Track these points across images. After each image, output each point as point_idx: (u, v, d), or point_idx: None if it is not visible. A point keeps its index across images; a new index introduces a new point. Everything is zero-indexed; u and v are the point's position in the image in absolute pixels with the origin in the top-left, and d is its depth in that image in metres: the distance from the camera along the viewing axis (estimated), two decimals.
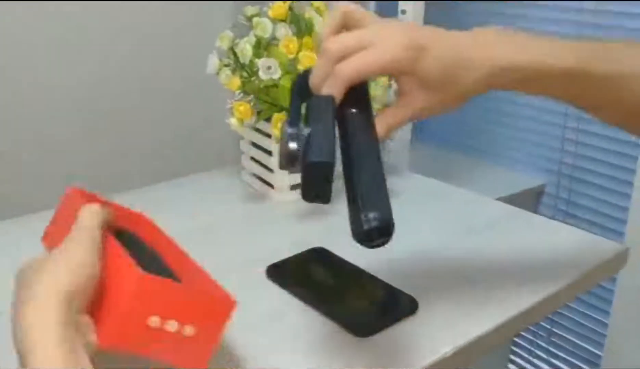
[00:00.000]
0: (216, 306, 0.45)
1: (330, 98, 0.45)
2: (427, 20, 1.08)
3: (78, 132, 1.09)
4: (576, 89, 0.51)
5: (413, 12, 1.04)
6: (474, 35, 0.49)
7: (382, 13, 1.27)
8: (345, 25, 0.49)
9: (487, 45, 0.49)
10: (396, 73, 0.48)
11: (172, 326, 0.41)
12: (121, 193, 0.91)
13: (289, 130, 0.44)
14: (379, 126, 0.47)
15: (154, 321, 0.40)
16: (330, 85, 0.46)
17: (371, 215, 0.40)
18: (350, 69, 0.45)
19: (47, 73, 1.04)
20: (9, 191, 1.01)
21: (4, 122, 1.01)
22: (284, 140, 0.44)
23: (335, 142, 0.43)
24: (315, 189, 0.42)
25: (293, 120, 0.46)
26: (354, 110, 0.47)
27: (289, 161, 0.44)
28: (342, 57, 0.46)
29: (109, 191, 0.92)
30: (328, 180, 0.42)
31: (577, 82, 0.50)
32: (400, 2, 1.05)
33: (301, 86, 0.49)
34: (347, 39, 0.47)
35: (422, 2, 1.05)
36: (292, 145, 0.43)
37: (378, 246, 0.40)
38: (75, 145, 1.09)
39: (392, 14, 1.07)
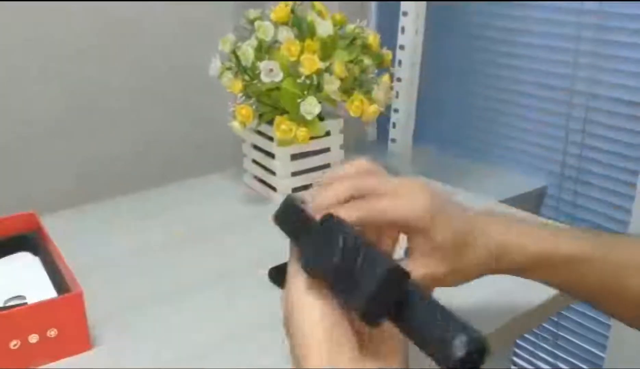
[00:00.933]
0: (63, 303, 0.55)
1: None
2: (428, 20, 1.08)
3: (80, 134, 1.09)
4: (577, 275, 0.49)
5: (415, 12, 1.04)
6: (490, 215, 0.49)
7: (382, 13, 1.27)
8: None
9: (499, 225, 0.48)
10: (411, 229, 0.45)
11: (33, 338, 0.53)
12: (123, 197, 0.91)
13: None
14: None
15: (14, 344, 0.52)
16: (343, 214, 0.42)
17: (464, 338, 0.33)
18: (365, 210, 0.43)
19: (47, 75, 1.04)
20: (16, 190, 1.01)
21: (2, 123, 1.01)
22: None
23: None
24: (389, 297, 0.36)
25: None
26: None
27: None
28: (359, 195, 0.44)
29: (110, 194, 0.92)
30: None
31: (579, 268, 0.49)
32: (402, 3, 1.05)
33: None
34: (369, 178, 0.46)
35: (424, 3, 1.05)
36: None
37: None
38: (77, 147, 1.09)
39: (392, 14, 1.07)
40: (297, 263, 0.41)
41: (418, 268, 0.45)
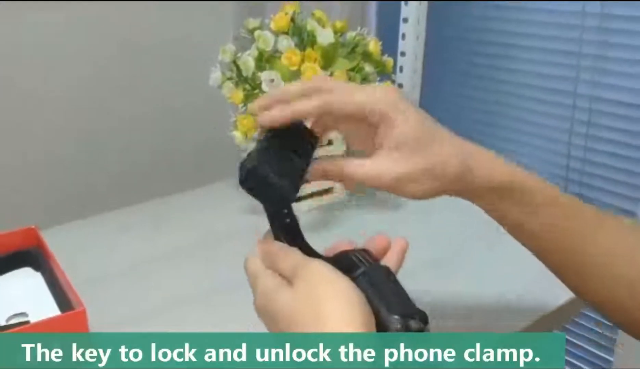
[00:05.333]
0: (66, 321, 0.54)
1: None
2: (429, 25, 1.08)
3: (78, 144, 1.08)
4: (540, 218, 0.48)
5: (415, 18, 1.03)
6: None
7: (382, 19, 1.27)
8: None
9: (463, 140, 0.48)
10: (375, 117, 0.44)
11: None
12: (124, 209, 0.90)
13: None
14: (332, 165, 0.45)
15: None
16: (303, 104, 0.44)
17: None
18: (323, 100, 0.44)
19: (46, 85, 1.04)
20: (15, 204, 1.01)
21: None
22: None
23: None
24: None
25: None
26: None
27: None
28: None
29: (111, 207, 0.92)
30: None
31: (545, 210, 0.48)
32: (402, 9, 1.04)
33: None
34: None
35: (425, 8, 1.04)
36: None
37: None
38: (76, 160, 1.08)
39: (393, 14, 1.07)
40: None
41: (377, 163, 0.44)
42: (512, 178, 0.47)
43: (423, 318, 0.38)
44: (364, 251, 0.43)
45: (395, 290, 0.40)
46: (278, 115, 0.44)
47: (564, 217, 0.48)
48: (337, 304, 0.37)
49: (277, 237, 0.45)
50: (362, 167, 0.44)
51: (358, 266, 0.40)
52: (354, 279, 0.39)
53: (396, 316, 0.37)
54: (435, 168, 0.44)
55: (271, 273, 0.42)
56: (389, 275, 0.41)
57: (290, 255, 0.42)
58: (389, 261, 0.45)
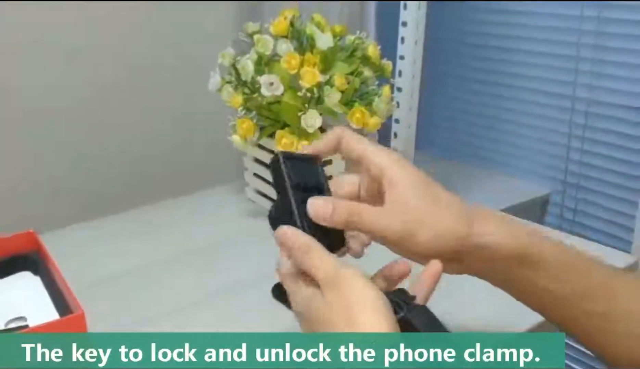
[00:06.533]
0: (65, 325, 0.53)
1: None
2: (428, 24, 1.08)
3: (77, 148, 1.08)
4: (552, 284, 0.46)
5: (414, 22, 1.03)
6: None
7: (381, 23, 1.27)
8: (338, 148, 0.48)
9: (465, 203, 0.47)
10: (375, 172, 0.46)
11: None
12: (123, 213, 0.90)
13: None
14: (343, 207, 0.45)
15: None
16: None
17: None
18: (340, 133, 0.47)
19: (44, 90, 1.04)
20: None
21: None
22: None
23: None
24: None
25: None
26: None
27: None
28: None
29: (110, 211, 0.92)
30: None
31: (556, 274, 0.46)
32: (401, 6, 1.04)
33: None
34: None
35: (424, 7, 1.04)
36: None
37: None
38: (75, 162, 1.08)
39: (392, 17, 1.07)
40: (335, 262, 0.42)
41: (384, 218, 0.44)
42: (523, 245, 0.46)
43: None
44: (400, 291, 0.44)
45: (434, 330, 0.41)
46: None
47: (578, 283, 0.47)
48: (366, 311, 0.38)
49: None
50: (373, 217, 0.45)
51: (398, 311, 0.41)
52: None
53: None
54: (441, 226, 0.45)
55: (304, 280, 0.43)
56: (428, 315, 0.42)
57: (320, 258, 0.42)
58: (422, 284, 0.44)
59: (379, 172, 0.46)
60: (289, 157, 0.46)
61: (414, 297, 0.43)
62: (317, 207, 0.44)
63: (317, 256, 0.42)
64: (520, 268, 0.46)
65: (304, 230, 0.44)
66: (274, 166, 0.46)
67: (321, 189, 0.47)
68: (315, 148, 0.48)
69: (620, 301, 0.47)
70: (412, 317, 0.41)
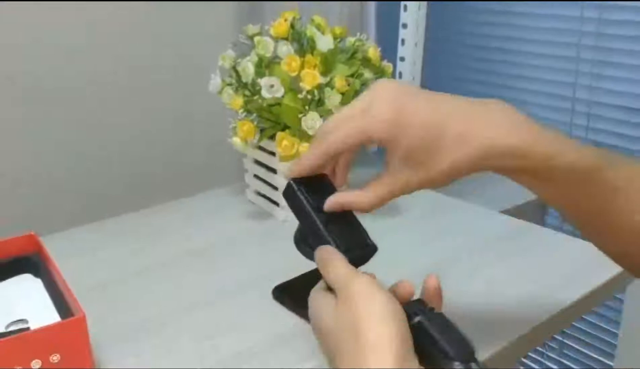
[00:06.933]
0: (66, 328, 0.53)
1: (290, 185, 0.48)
2: (428, 26, 1.08)
3: (78, 150, 1.08)
4: (576, 189, 0.46)
5: (414, 25, 1.03)
6: (473, 106, 0.46)
7: (381, 17, 1.27)
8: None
9: (488, 122, 0.44)
10: (378, 143, 0.46)
11: (36, 364, 0.51)
12: (124, 216, 0.90)
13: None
14: (362, 199, 0.47)
15: None
16: (309, 152, 0.48)
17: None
18: (332, 139, 0.46)
19: (45, 91, 1.04)
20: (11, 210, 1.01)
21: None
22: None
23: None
24: None
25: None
26: None
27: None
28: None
29: (110, 213, 0.91)
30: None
31: (586, 186, 0.45)
32: (401, 4, 1.04)
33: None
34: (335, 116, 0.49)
35: (424, 9, 1.04)
36: None
37: None
38: (76, 164, 1.08)
39: (393, 13, 1.07)
40: (347, 268, 0.43)
41: (393, 180, 0.46)
42: (540, 164, 0.44)
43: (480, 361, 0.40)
44: (418, 301, 0.45)
45: (451, 336, 0.41)
46: (294, 173, 0.49)
47: (593, 188, 0.46)
48: (372, 321, 0.39)
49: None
50: (384, 186, 0.47)
51: (413, 317, 0.42)
52: (412, 328, 0.41)
53: (457, 363, 0.39)
54: (446, 172, 0.45)
55: (320, 290, 0.45)
56: (445, 321, 0.42)
57: (335, 271, 0.44)
58: (430, 302, 0.45)
59: (377, 141, 0.46)
60: (300, 181, 0.48)
61: (432, 308, 0.44)
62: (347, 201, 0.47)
63: (332, 268, 0.43)
64: (532, 178, 0.46)
65: (335, 246, 0.45)
66: (289, 194, 0.48)
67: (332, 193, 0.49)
68: (303, 164, 0.48)
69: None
70: (428, 323, 0.41)
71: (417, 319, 0.41)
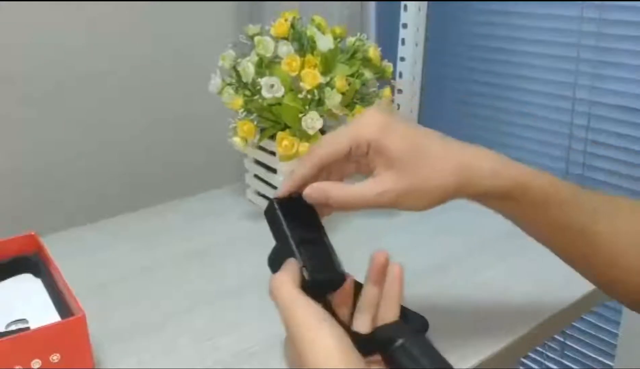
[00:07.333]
0: (66, 327, 0.53)
1: (271, 203, 0.49)
2: (428, 30, 1.08)
3: (78, 150, 1.08)
4: (549, 214, 0.48)
5: (414, 25, 1.03)
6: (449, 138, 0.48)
7: (382, 17, 1.27)
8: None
9: (464, 146, 0.48)
10: (364, 145, 0.47)
11: (36, 363, 0.51)
12: (124, 216, 0.90)
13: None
14: (345, 192, 0.46)
15: None
16: (300, 164, 0.48)
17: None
18: (318, 150, 0.47)
19: (45, 92, 1.04)
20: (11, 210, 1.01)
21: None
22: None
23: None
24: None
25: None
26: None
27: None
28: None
29: (111, 213, 0.92)
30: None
31: (553, 206, 0.47)
32: (401, 4, 1.04)
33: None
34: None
35: (424, 9, 1.04)
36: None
37: None
38: (76, 165, 1.08)
39: (392, 14, 1.06)
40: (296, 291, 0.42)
41: (377, 186, 0.46)
42: (514, 183, 0.46)
43: None
44: (398, 323, 0.45)
45: (434, 357, 0.41)
46: (283, 190, 0.49)
47: (570, 213, 0.48)
48: (319, 348, 0.38)
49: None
50: (363, 190, 0.46)
51: (395, 340, 0.42)
52: (394, 350, 0.41)
53: None
54: (428, 184, 0.46)
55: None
56: (426, 342, 0.43)
57: (281, 294, 0.43)
58: (390, 291, 0.46)
59: (365, 146, 0.47)
60: (282, 201, 0.49)
61: (414, 330, 0.44)
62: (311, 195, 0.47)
63: (278, 291, 0.43)
64: (510, 202, 0.47)
65: (302, 265, 0.45)
66: (269, 211, 0.49)
67: (314, 226, 0.49)
68: (294, 179, 0.49)
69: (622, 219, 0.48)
70: (410, 345, 0.42)
71: (399, 342, 0.42)
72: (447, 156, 0.46)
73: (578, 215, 0.48)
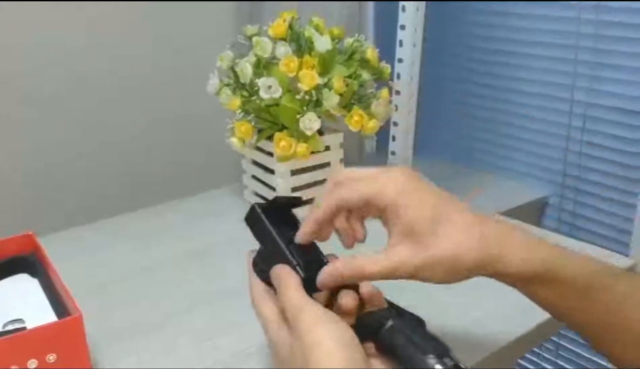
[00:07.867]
0: (63, 327, 0.53)
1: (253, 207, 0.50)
2: (426, 31, 1.08)
3: (76, 150, 1.09)
4: (578, 301, 0.45)
5: (412, 26, 1.03)
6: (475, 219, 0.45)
7: (380, 18, 1.27)
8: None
9: (484, 224, 0.45)
10: (381, 207, 0.45)
11: (32, 363, 0.51)
12: (121, 216, 0.91)
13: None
14: (349, 269, 0.45)
15: None
16: (314, 209, 0.47)
17: None
18: (336, 194, 0.46)
19: (44, 91, 1.04)
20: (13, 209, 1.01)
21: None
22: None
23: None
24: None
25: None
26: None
27: None
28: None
29: (110, 212, 0.92)
30: None
31: (582, 293, 0.44)
32: (400, 5, 1.04)
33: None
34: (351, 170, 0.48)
35: (422, 10, 1.04)
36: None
37: None
38: (74, 165, 1.09)
39: (392, 14, 1.07)
40: (299, 292, 0.44)
41: (390, 260, 0.44)
42: (546, 267, 0.44)
43: (454, 356, 0.40)
44: (389, 307, 0.46)
45: (424, 335, 0.42)
46: (303, 235, 0.48)
47: (599, 299, 0.45)
48: (321, 353, 0.39)
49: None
50: (377, 264, 0.44)
51: (384, 322, 0.43)
52: (385, 333, 0.42)
53: (431, 356, 0.40)
54: (447, 256, 0.43)
55: (275, 321, 0.45)
56: (416, 321, 0.44)
57: (289, 294, 0.44)
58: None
59: (383, 207, 0.45)
60: (263, 206, 0.50)
61: (403, 310, 0.45)
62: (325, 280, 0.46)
63: (286, 289, 0.44)
64: (540, 286, 0.45)
65: (298, 269, 0.46)
66: (252, 217, 0.50)
67: (295, 226, 0.50)
68: (316, 222, 0.48)
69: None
70: (401, 323, 0.43)
71: (389, 323, 0.42)
72: (469, 228, 0.43)
73: (610, 301, 0.45)
